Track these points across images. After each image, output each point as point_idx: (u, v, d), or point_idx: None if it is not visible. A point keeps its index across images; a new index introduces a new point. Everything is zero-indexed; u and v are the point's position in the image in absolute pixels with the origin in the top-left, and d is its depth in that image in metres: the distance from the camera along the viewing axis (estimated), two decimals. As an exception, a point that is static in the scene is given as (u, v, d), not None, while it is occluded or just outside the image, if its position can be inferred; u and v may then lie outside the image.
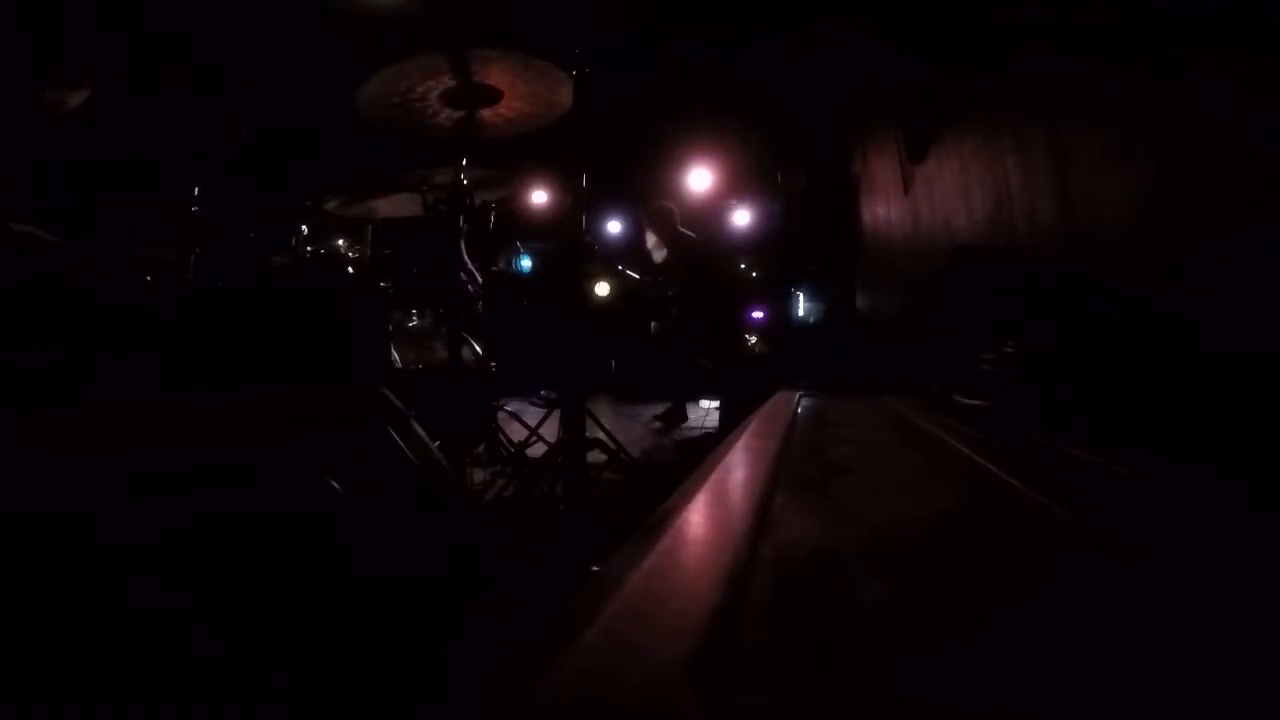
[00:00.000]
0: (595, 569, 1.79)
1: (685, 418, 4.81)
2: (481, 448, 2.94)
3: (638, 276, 6.19)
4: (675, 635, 0.47)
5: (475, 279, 3.07)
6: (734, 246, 5.87)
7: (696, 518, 0.82)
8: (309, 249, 2.70)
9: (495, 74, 2.43)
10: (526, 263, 6.23)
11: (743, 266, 5.99)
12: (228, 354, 1.92)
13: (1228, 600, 0.58)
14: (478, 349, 3.25)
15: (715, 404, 4.82)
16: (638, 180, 6.53)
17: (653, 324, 7.18)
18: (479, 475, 2.77)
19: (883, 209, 4.01)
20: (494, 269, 5.07)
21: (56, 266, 1.67)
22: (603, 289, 7.08)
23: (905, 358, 3.24)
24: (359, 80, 2.38)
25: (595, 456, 2.84)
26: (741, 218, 6.23)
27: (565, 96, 2.38)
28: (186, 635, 0.75)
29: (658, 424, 4.73)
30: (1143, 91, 1.49)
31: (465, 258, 2.98)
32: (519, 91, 2.53)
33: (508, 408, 3.47)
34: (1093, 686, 0.45)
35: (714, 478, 1.04)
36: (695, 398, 5.12)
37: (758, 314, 5.56)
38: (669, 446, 4.07)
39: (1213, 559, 0.68)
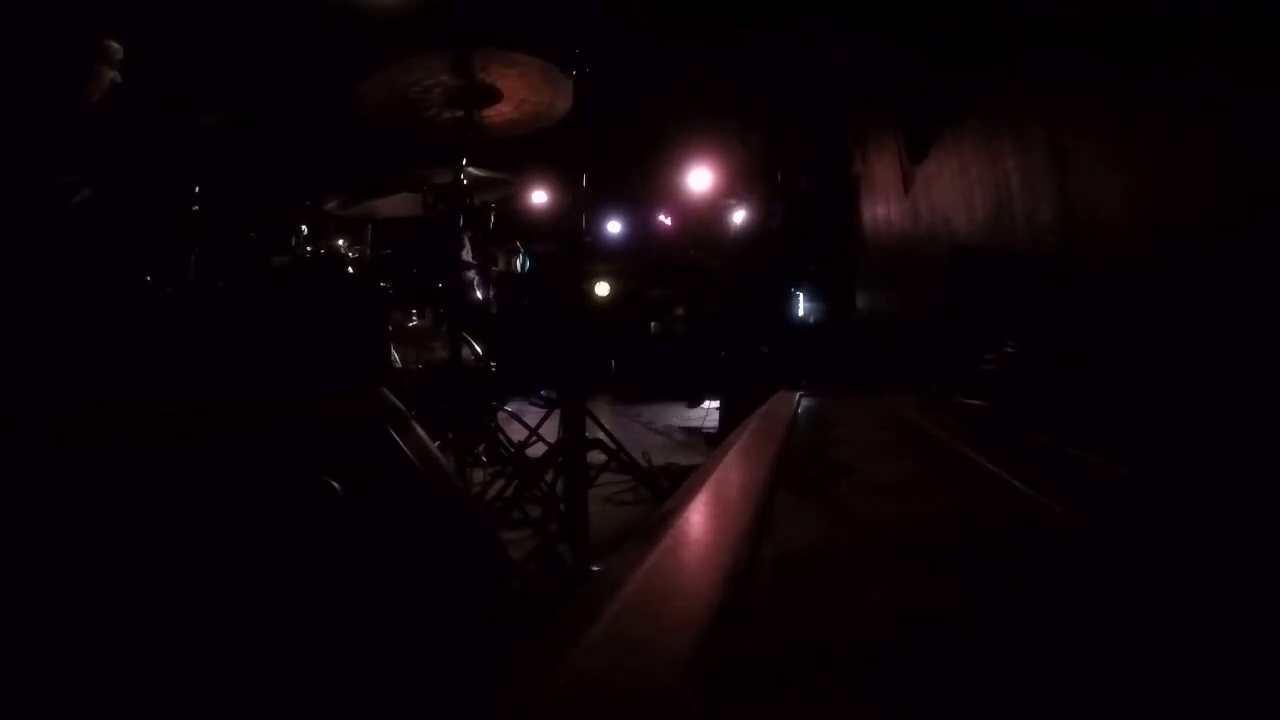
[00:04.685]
0: (595, 569, 1.79)
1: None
2: (481, 448, 2.94)
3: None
4: (677, 635, 0.47)
5: (482, 278, 3.07)
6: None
7: (697, 518, 0.82)
8: (309, 249, 2.70)
9: (496, 74, 2.43)
10: (528, 262, 6.27)
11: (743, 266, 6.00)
12: (228, 354, 1.92)
13: (1228, 601, 0.58)
14: (478, 349, 3.25)
15: (715, 404, 4.82)
16: (638, 180, 6.53)
17: (652, 324, 7.19)
18: (479, 475, 2.77)
19: (883, 209, 4.01)
20: (494, 269, 5.08)
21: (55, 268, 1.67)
22: (603, 289, 7.09)
23: (905, 358, 3.24)
24: (360, 79, 2.38)
25: (595, 456, 2.84)
26: (741, 218, 6.23)
27: (565, 97, 2.39)
28: (186, 635, 0.75)
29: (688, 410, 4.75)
30: (1143, 91, 1.49)
31: (468, 255, 2.99)
32: (519, 92, 2.53)
33: (508, 408, 3.47)
34: (1092, 687, 0.45)
35: (714, 478, 1.04)
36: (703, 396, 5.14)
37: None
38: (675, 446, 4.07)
39: (1213, 559, 0.68)
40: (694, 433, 4.64)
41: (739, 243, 5.56)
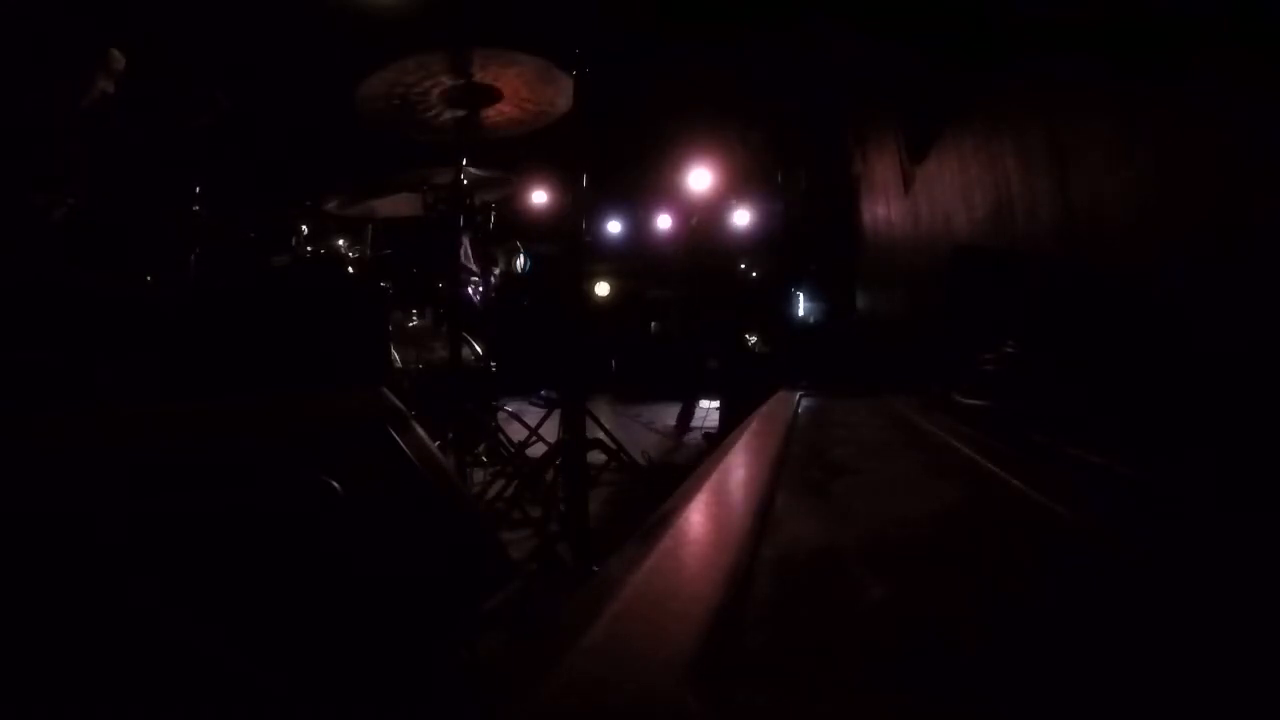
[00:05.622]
0: (595, 569, 1.79)
1: (691, 417, 4.80)
2: (481, 448, 2.94)
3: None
4: (676, 636, 0.47)
5: (478, 277, 3.08)
6: (736, 247, 5.89)
7: (697, 518, 0.82)
8: (309, 249, 2.70)
9: (496, 74, 2.43)
10: (528, 262, 6.27)
11: (743, 266, 6.00)
12: (228, 354, 1.92)
13: (1228, 601, 0.58)
14: (478, 349, 3.25)
15: (715, 404, 4.82)
16: (638, 180, 6.53)
17: (653, 324, 7.19)
18: (479, 475, 2.77)
19: (883, 209, 4.01)
20: (494, 269, 5.11)
21: (56, 267, 1.67)
22: (603, 289, 7.09)
23: (905, 358, 3.24)
24: (359, 79, 2.38)
25: (595, 456, 2.84)
26: (741, 218, 6.24)
27: (565, 97, 2.38)
28: (186, 635, 0.75)
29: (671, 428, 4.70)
30: (1143, 91, 1.49)
31: (468, 258, 2.99)
32: (519, 91, 2.53)
33: (508, 408, 3.47)
34: (1093, 686, 0.45)
35: (715, 478, 1.04)
36: (699, 398, 5.12)
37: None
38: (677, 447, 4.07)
39: (1213, 559, 0.68)
40: (685, 431, 4.61)
41: (738, 242, 5.57)
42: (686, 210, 6.19)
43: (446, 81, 2.42)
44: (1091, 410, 1.44)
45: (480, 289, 3.18)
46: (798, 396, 2.40)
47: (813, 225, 4.86)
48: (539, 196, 6.64)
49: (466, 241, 2.99)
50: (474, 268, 3.15)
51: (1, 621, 0.67)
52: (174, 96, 2.28)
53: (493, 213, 3.17)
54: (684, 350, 5.32)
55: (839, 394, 2.51)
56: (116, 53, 1.96)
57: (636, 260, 7.17)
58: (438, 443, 2.12)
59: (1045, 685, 0.45)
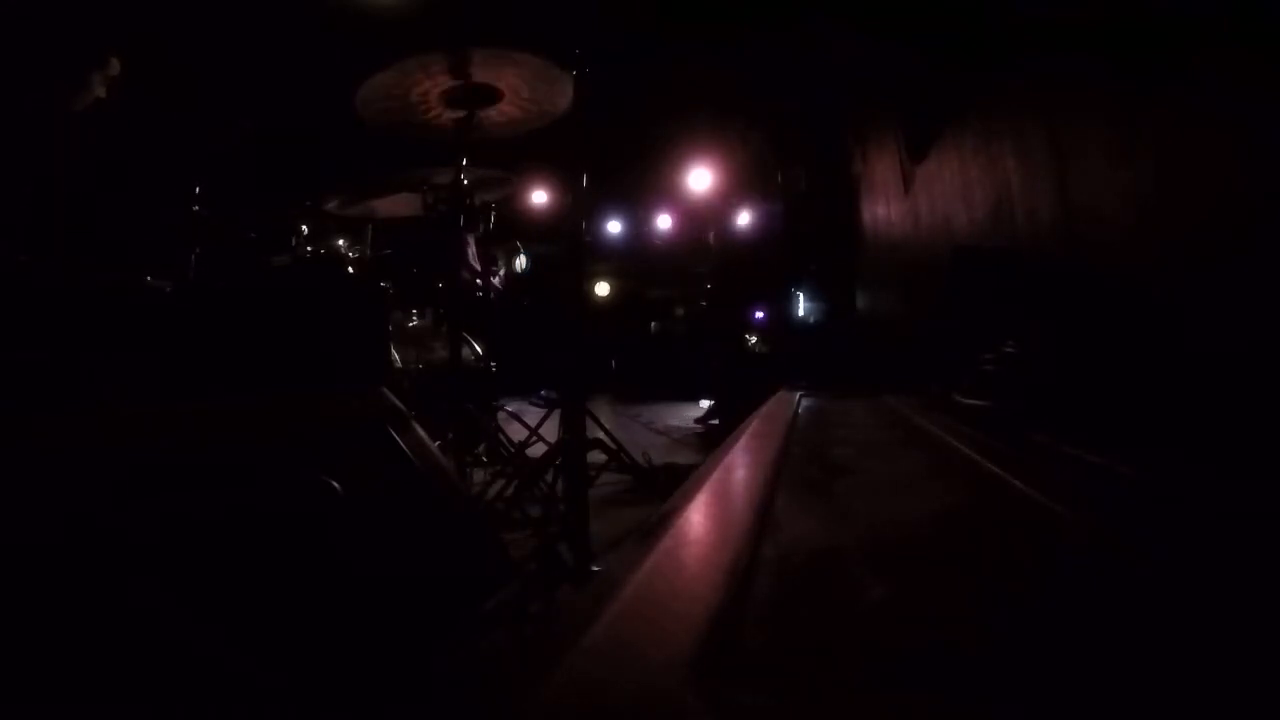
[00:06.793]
0: (595, 569, 1.79)
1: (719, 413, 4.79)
2: (481, 448, 2.94)
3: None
4: (676, 636, 0.47)
5: (482, 275, 3.08)
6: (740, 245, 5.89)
7: (698, 518, 0.82)
8: (309, 249, 2.70)
9: (495, 74, 2.43)
10: (528, 262, 6.28)
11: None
12: (227, 354, 1.92)
13: (1227, 600, 0.58)
14: (478, 349, 3.25)
15: (712, 403, 4.81)
16: (638, 180, 6.53)
17: (653, 324, 7.20)
18: (479, 475, 2.77)
19: (883, 209, 4.01)
20: (495, 269, 5.10)
21: (56, 267, 1.67)
22: (603, 289, 7.09)
23: (905, 358, 3.24)
24: (359, 80, 2.38)
25: (595, 456, 2.84)
26: (741, 218, 6.24)
27: (565, 97, 2.38)
28: (186, 635, 0.75)
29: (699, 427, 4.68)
30: (1143, 91, 1.49)
31: (474, 257, 2.99)
32: (519, 91, 2.53)
33: (508, 408, 3.47)
34: (1092, 686, 0.45)
35: (715, 478, 1.04)
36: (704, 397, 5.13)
37: (759, 314, 5.57)
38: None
39: (1213, 559, 0.68)
40: (690, 432, 4.61)
41: (737, 242, 5.58)
42: (687, 211, 6.20)
43: (447, 81, 2.42)
44: (1091, 410, 1.44)
45: (483, 288, 3.18)
46: (798, 396, 2.40)
47: (813, 225, 4.86)
48: (539, 196, 6.64)
49: (472, 241, 2.99)
50: (479, 267, 3.15)
51: (2, 622, 0.67)
52: (195, 120, 2.29)
53: (493, 213, 3.17)
54: (699, 350, 5.32)
55: (839, 394, 2.51)
56: (115, 60, 1.97)
57: (636, 260, 7.18)
58: (438, 443, 2.12)
59: (1045, 685, 0.45)
